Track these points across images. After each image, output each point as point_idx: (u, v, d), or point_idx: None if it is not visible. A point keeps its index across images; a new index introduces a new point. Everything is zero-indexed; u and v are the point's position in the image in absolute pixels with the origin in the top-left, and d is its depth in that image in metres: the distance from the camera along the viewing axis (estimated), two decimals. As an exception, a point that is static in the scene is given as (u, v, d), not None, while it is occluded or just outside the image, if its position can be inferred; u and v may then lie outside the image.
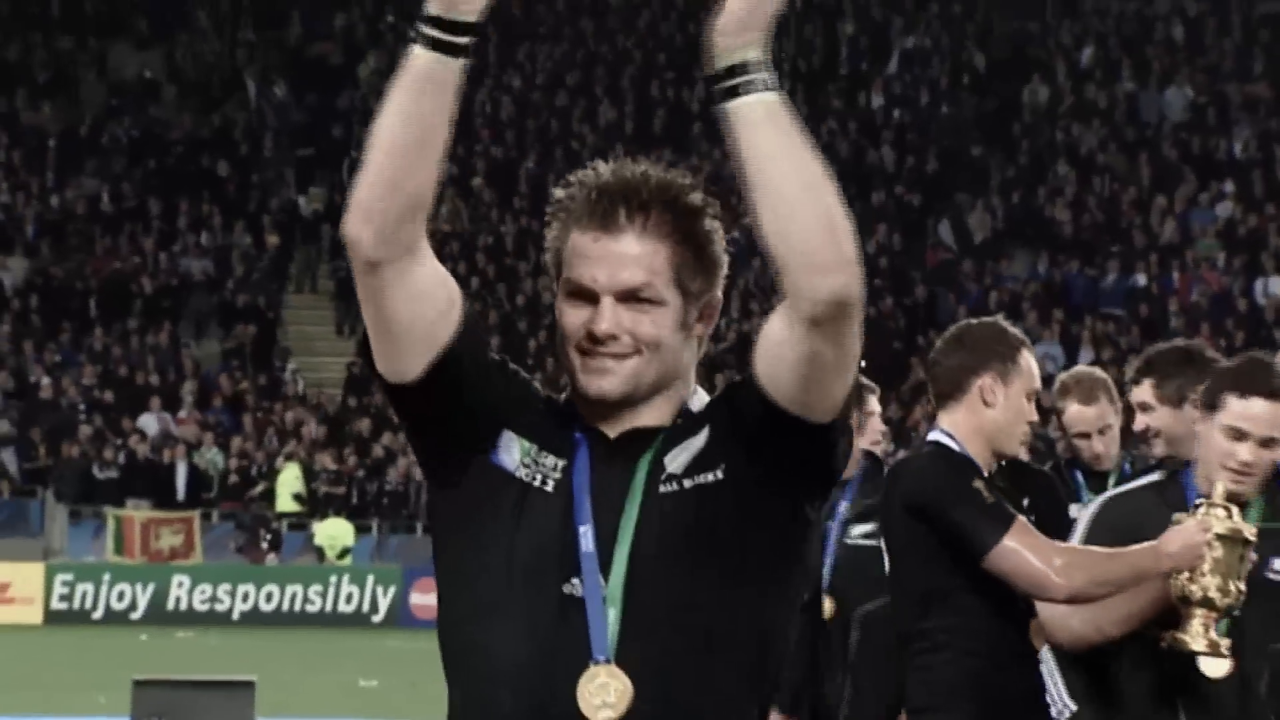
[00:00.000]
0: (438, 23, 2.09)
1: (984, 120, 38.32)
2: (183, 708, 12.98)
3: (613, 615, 2.22)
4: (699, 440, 2.29)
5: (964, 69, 40.60)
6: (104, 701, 15.17)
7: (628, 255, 2.26)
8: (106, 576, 29.26)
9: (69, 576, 29.39)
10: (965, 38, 42.82)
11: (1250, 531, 4.72)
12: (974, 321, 5.58)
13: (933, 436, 5.20)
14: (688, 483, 2.27)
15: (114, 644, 23.73)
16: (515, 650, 2.23)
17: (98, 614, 28.75)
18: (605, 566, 2.24)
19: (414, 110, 2.12)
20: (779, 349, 2.20)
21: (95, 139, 38.25)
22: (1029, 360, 5.18)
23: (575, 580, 2.23)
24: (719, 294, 2.39)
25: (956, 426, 5.08)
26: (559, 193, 2.37)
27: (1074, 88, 40.70)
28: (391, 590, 29.63)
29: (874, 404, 7.31)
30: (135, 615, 28.37)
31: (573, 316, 2.28)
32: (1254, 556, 4.80)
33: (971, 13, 42.90)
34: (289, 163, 38.90)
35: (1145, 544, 4.84)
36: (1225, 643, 4.73)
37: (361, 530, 31.28)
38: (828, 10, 42.41)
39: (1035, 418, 5.28)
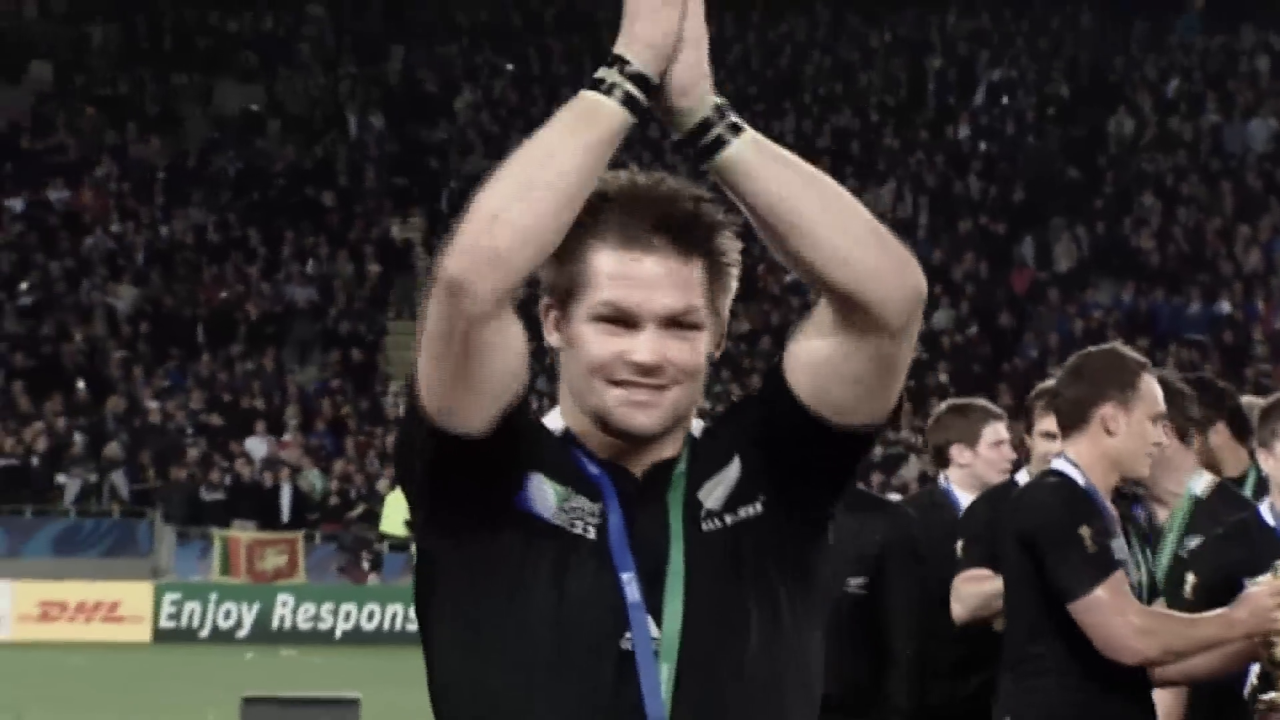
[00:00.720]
0: (638, 80, 1.94)
1: (1070, 150, 38.55)
2: (290, 724, 12.41)
3: (665, 671, 2.03)
4: (733, 472, 2.13)
5: (1050, 101, 40.78)
6: (213, 718, 15.31)
7: (667, 277, 2.06)
8: (213, 596, 29.59)
9: (177, 596, 29.70)
10: (1050, 70, 42.04)
11: None
12: (1092, 350, 5.52)
13: (1057, 465, 5.15)
14: (729, 519, 2.11)
15: (220, 661, 24.00)
16: (560, 709, 2.03)
17: (204, 632, 29.07)
18: (656, 616, 2.05)
19: (590, 161, 1.93)
20: (840, 366, 2.04)
21: (201, 171, 38.88)
22: (1149, 384, 5.13)
23: (629, 635, 2.04)
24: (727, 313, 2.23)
25: (1080, 456, 5.05)
26: (596, 190, 2.11)
27: (1159, 120, 40.65)
28: (487, 608, 29.00)
29: (1002, 431, 7.21)
30: (241, 634, 28.69)
31: (604, 345, 2.05)
32: None
33: (1058, 46, 42.88)
34: (388, 193, 39.57)
35: (1220, 611, 4.85)
36: None
37: (459, 552, 30.66)
38: (915, 45, 42.87)
39: (1163, 439, 5.21)
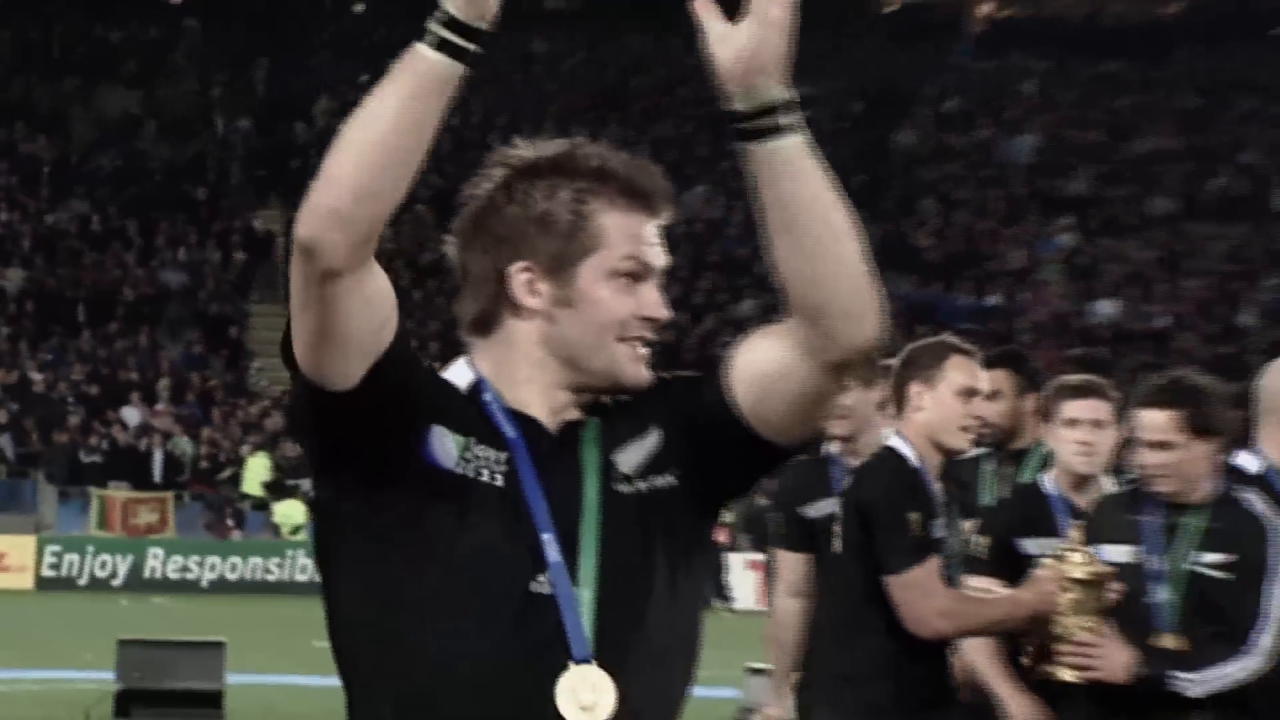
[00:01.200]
0: (453, 24, 1.81)
1: (859, 158, 39.89)
2: (161, 665, 13.09)
3: (586, 617, 1.97)
4: (650, 441, 2.07)
5: (843, 114, 42.19)
6: (90, 658, 15.22)
7: (659, 238, 2.05)
8: (91, 548, 29.94)
9: (57, 548, 30.05)
10: (845, 87, 43.97)
11: (1099, 569, 4.58)
12: (919, 341, 5.43)
13: (893, 442, 5.05)
14: (643, 485, 2.06)
15: (98, 608, 24.17)
16: (476, 651, 1.94)
17: (83, 581, 29.41)
18: (573, 568, 1.98)
19: (409, 113, 1.81)
20: (778, 383, 2.00)
21: (85, 167, 39.53)
22: (955, 364, 5.04)
23: (542, 578, 1.95)
24: None
25: (907, 433, 5.01)
26: (557, 158, 2.06)
27: (938, 133, 42.91)
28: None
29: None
30: (116, 583, 29.05)
31: (622, 302, 2.01)
32: (1116, 589, 4.62)
33: (852, 67, 44.64)
34: (252, 188, 40.00)
35: (1010, 593, 4.84)
36: (1085, 675, 4.61)
37: (313, 510, 31.76)
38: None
39: (978, 414, 5.15)
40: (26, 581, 28.94)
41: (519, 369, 2.02)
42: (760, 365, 2.01)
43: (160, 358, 34.68)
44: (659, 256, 2.04)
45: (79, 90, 41.44)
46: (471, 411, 2.00)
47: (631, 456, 2.05)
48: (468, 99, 43.10)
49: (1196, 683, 4.59)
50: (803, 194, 1.89)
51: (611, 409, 2.07)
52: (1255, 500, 4.75)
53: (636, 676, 1.97)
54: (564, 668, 1.93)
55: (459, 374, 2.07)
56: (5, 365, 33.43)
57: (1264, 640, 4.60)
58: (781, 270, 1.93)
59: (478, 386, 2.03)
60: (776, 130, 1.87)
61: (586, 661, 1.94)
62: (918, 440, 4.95)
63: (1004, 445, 6.04)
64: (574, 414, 2.04)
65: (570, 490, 2.00)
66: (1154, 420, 4.65)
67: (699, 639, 2.13)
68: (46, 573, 29.13)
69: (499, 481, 1.97)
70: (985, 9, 45.39)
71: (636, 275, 2.02)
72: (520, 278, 2.00)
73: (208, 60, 43.60)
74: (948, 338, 5.33)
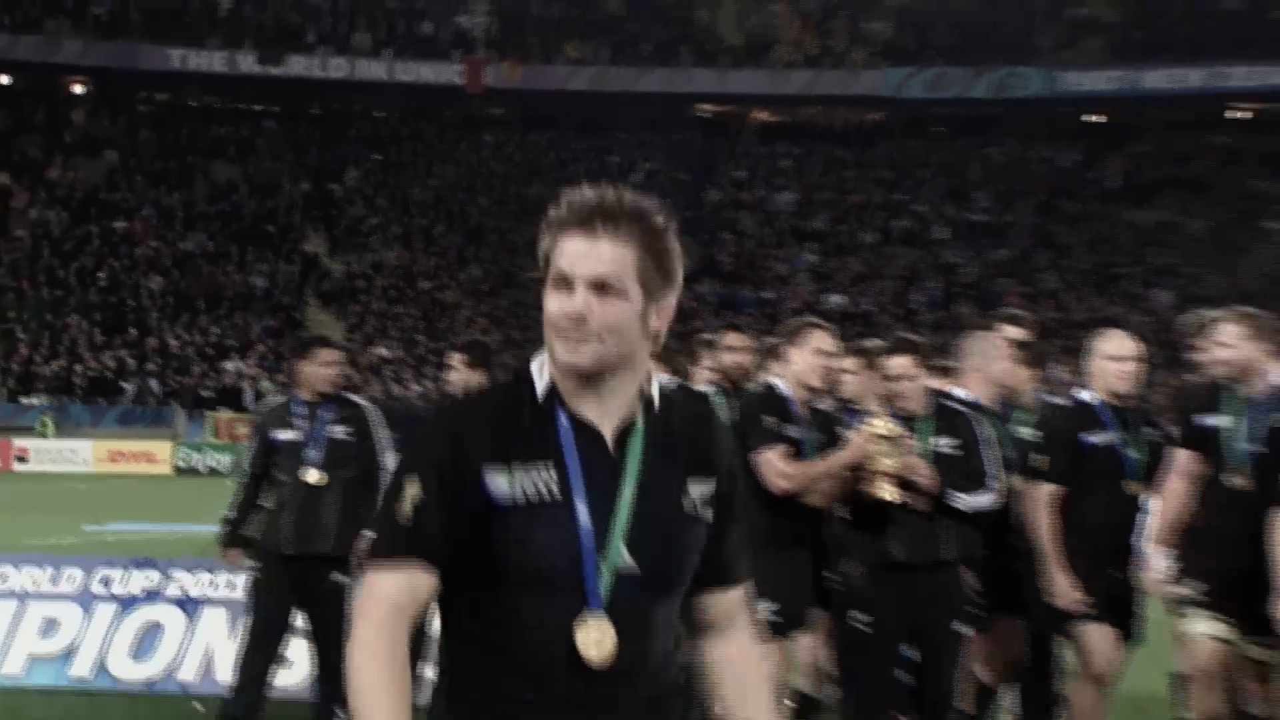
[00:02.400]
0: None
1: (685, 207, 40.07)
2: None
3: (606, 579, 2.05)
4: (710, 486, 2.18)
5: (675, 180, 43.26)
6: (210, 518, 10.58)
7: (601, 254, 2.03)
8: (207, 449, 31.01)
9: (185, 450, 31.06)
10: None
11: (896, 430, 4.98)
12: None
13: (773, 381, 5.46)
14: (695, 512, 2.15)
15: (213, 489, 19.24)
16: (528, 608, 2.05)
17: (202, 470, 29.83)
18: (603, 542, 2.05)
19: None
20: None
21: (204, 212, 41.40)
22: (810, 334, 5.36)
23: (576, 555, 2.04)
24: (674, 300, 2.11)
25: (783, 376, 5.40)
26: (551, 211, 2.10)
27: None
28: None
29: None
30: (223, 471, 27.70)
31: (553, 302, 2.06)
32: (911, 443, 5.01)
33: (678, 149, 46.24)
34: (307, 225, 41.82)
35: (831, 457, 5.18)
36: (899, 493, 4.97)
37: None
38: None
39: (825, 365, 5.39)
40: (167, 470, 30.85)
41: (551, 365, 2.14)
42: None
43: (250, 331, 37.25)
44: (585, 268, 2.03)
45: (201, 163, 44.64)
46: (524, 428, 2.06)
47: (694, 489, 2.14)
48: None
49: (964, 501, 5.10)
50: None
51: (660, 417, 2.12)
52: (963, 408, 5.37)
53: (641, 625, 2.09)
54: (583, 618, 2.04)
55: (537, 374, 2.15)
56: (154, 335, 36.21)
57: (993, 484, 5.21)
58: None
59: (550, 394, 2.10)
60: None
61: (598, 613, 2.04)
62: (791, 381, 5.35)
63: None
64: (613, 405, 2.09)
65: (608, 479, 2.07)
66: (902, 362, 5.15)
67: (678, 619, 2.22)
68: (179, 465, 31.03)
69: (546, 491, 2.05)
70: (760, 115, 48.26)
71: (563, 283, 2.06)
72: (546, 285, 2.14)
73: (279, 146, 46.27)
74: (809, 318, 5.70)
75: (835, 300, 38.32)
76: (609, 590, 2.07)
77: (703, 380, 6.34)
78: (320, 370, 6.07)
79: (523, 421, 2.11)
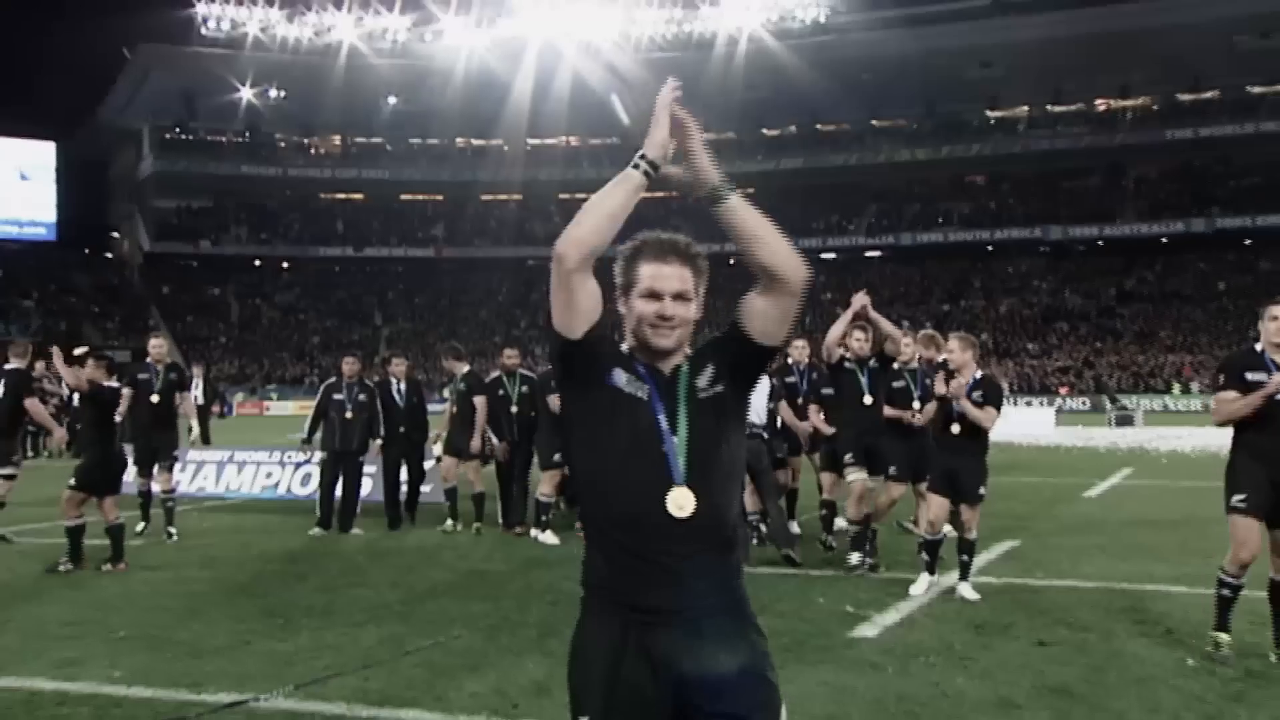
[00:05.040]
0: (651, 164, 2.84)
1: None
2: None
3: (681, 461, 2.88)
4: (709, 370, 3.00)
5: None
6: None
7: (676, 275, 2.98)
8: None
9: None
10: None
11: None
12: None
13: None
14: (709, 393, 2.98)
15: None
16: (628, 476, 2.86)
17: None
18: (674, 432, 2.90)
19: (627, 201, 2.81)
20: (767, 312, 2.93)
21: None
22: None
23: (663, 444, 2.88)
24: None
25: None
26: (625, 247, 3.02)
27: None
28: None
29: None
30: None
31: (647, 307, 2.97)
32: None
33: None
34: None
35: None
36: None
37: None
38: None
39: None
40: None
41: (633, 345, 3.04)
42: (756, 306, 2.94)
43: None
44: (670, 285, 2.93)
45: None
46: (629, 362, 2.98)
47: (702, 379, 2.99)
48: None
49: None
50: (754, 219, 2.86)
51: (693, 357, 3.02)
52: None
53: (708, 490, 2.90)
54: (670, 487, 2.86)
55: (624, 346, 3.07)
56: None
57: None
58: (757, 261, 2.86)
59: (631, 350, 3.03)
60: (727, 195, 2.86)
61: (681, 485, 2.87)
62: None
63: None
64: (675, 363, 3.00)
65: (672, 399, 2.95)
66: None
67: (743, 470, 3.09)
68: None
69: (643, 395, 2.94)
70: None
71: (652, 295, 2.96)
72: (620, 298, 3.07)
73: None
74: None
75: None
76: (686, 464, 2.86)
77: None
78: (348, 367, 13.59)
79: (624, 356, 2.99)
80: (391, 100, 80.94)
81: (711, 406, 2.95)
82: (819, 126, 76.81)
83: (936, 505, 8.93)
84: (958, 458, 8.82)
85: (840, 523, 11.79)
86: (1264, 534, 6.88)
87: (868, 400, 10.36)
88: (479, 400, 13.29)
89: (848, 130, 77.93)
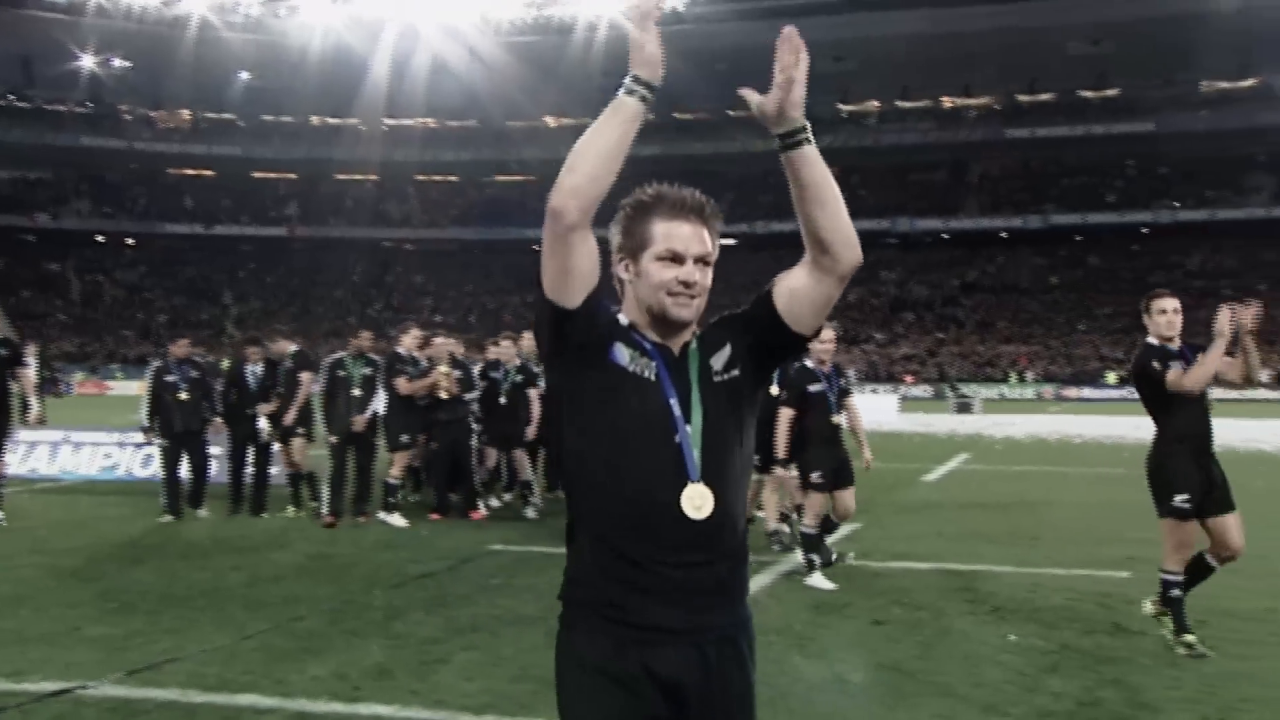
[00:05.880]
0: (646, 85, 2.41)
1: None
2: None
3: (696, 454, 2.52)
4: (726, 351, 2.63)
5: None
6: None
7: (698, 235, 2.59)
8: None
9: None
10: None
11: (453, 373, 8.92)
12: None
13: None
14: (724, 377, 2.61)
15: None
16: (646, 474, 2.48)
17: None
18: (688, 423, 2.53)
19: (624, 135, 2.38)
20: (805, 294, 2.58)
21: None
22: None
23: (673, 429, 2.51)
24: None
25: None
26: (628, 201, 2.62)
27: None
28: None
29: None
30: None
31: (666, 272, 2.57)
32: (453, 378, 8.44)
33: None
34: None
35: (413, 384, 8.04)
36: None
37: None
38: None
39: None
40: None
41: (630, 313, 2.66)
42: (794, 284, 2.60)
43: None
44: (691, 247, 2.56)
45: None
46: (631, 338, 2.60)
47: (718, 361, 2.63)
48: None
49: None
50: (822, 176, 2.47)
51: (705, 333, 2.66)
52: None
53: (725, 490, 2.55)
54: (685, 484, 2.51)
55: (622, 318, 2.67)
56: None
57: None
58: (813, 224, 2.50)
59: (632, 325, 2.64)
60: (806, 141, 2.46)
61: (697, 481, 2.51)
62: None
63: None
64: (685, 339, 2.64)
65: (684, 382, 2.58)
66: None
67: (751, 470, 2.77)
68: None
69: (650, 376, 2.56)
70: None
71: (672, 259, 2.57)
72: (620, 263, 2.66)
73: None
74: None
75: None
76: (701, 457, 2.51)
77: None
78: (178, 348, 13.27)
79: (625, 330, 2.61)
80: (244, 75, 79.11)
81: (727, 392, 2.60)
82: (676, 115, 77.38)
83: (821, 500, 9.02)
84: (842, 449, 9.05)
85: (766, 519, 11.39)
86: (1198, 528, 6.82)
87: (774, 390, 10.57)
88: (304, 376, 13.05)
89: (705, 119, 78.61)
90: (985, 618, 7.74)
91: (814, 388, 8.95)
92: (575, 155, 2.38)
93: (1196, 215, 71.15)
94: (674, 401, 2.52)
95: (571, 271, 2.43)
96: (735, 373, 2.61)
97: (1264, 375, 7.53)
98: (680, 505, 2.46)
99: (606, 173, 2.37)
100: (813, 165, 2.46)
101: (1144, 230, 73.15)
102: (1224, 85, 71.92)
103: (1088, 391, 62.21)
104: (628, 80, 2.42)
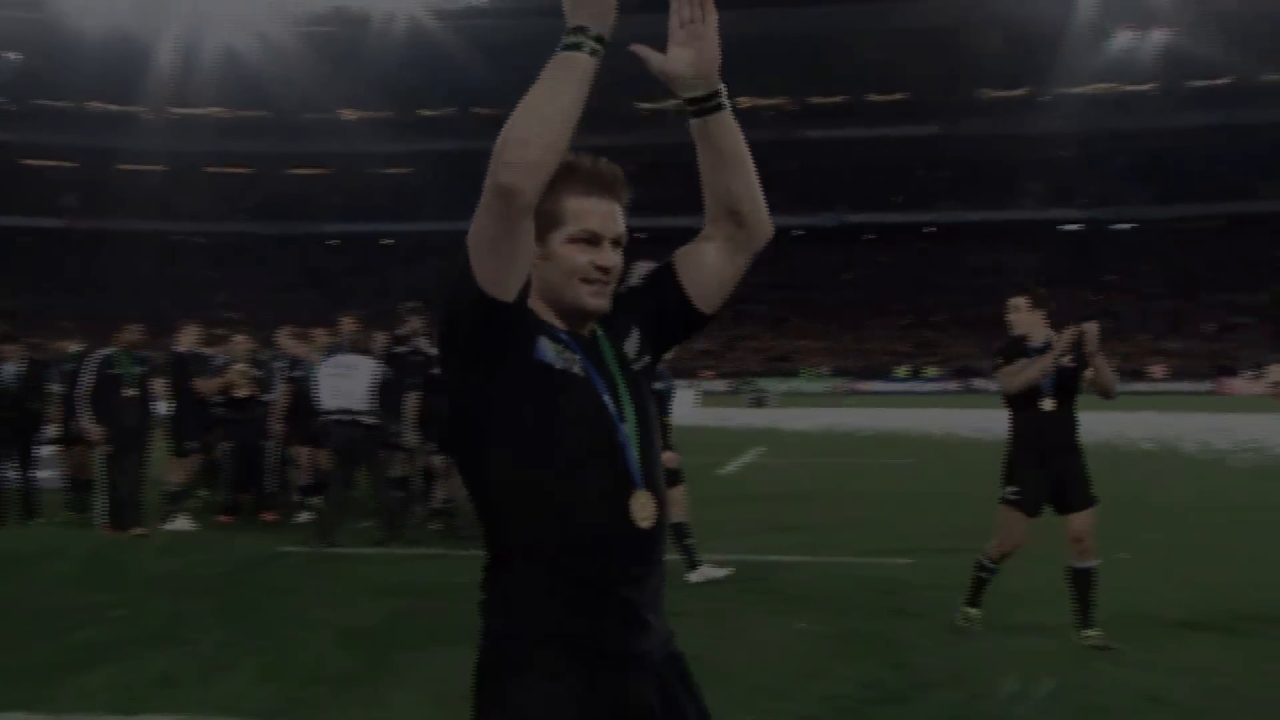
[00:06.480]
0: (598, 37, 2.10)
1: None
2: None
3: (635, 455, 2.28)
4: (635, 336, 2.41)
5: None
6: None
7: (613, 213, 2.32)
8: None
9: None
10: None
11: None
12: None
13: None
14: (639, 365, 2.39)
15: None
16: (592, 484, 2.20)
17: None
18: (622, 420, 2.28)
19: (580, 97, 2.09)
20: (714, 272, 2.40)
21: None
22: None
23: (614, 427, 2.25)
24: None
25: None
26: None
27: None
28: None
29: None
30: None
31: (581, 256, 2.29)
32: None
33: None
34: None
35: None
36: None
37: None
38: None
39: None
40: None
41: (542, 307, 2.34)
42: (701, 261, 2.42)
43: None
44: (611, 227, 2.30)
45: None
46: (549, 329, 2.30)
47: (630, 347, 2.40)
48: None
49: None
50: (741, 143, 2.34)
51: (608, 315, 2.37)
52: None
53: (660, 493, 2.31)
54: (632, 491, 2.24)
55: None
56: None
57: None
58: (731, 196, 2.35)
59: (536, 317, 2.33)
60: (721, 106, 2.30)
61: (641, 487, 2.26)
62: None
63: None
64: (591, 324, 2.36)
65: (606, 372, 2.31)
66: None
67: None
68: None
69: (578, 371, 2.27)
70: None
71: (588, 240, 2.29)
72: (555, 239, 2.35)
73: None
74: None
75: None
76: (638, 459, 2.26)
77: None
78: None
79: (538, 320, 2.31)
80: (12, 56, 74.88)
81: (645, 382, 2.40)
82: (476, 110, 76.41)
83: (679, 494, 9.11)
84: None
85: None
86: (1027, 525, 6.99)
87: None
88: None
89: (504, 115, 78.18)
90: (775, 608, 7.95)
91: None
92: (525, 123, 2.04)
93: (974, 216, 74.85)
94: (607, 398, 2.27)
95: (515, 259, 2.12)
96: (647, 359, 2.42)
97: (1116, 389, 7.83)
98: (630, 515, 2.22)
99: (563, 140, 2.07)
100: (732, 131, 2.32)
101: (929, 230, 76.74)
102: (999, 94, 75.46)
103: (878, 385, 64.55)
104: (570, 34, 2.10)
